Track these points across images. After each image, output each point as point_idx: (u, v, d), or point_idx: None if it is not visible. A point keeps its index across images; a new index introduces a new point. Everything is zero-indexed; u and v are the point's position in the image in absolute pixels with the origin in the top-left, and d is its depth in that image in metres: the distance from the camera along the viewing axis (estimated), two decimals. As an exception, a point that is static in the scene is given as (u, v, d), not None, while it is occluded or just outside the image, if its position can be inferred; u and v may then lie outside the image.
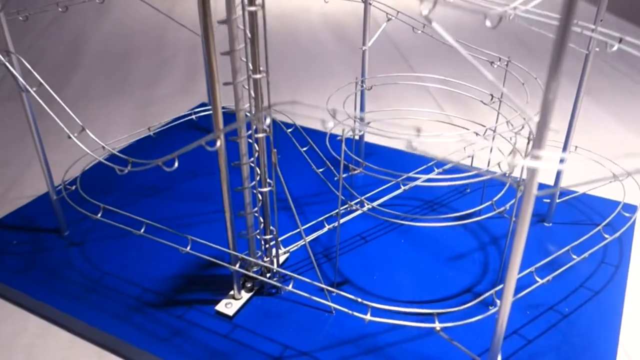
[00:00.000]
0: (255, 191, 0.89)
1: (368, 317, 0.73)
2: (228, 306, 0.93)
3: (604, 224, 0.98)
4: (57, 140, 1.43)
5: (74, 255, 1.07)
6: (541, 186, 1.16)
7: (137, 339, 0.89)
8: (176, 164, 0.72)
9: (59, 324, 0.96)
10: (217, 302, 0.94)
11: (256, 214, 0.91)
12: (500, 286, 0.73)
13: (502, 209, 0.86)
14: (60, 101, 0.83)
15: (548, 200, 1.13)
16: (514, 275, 0.70)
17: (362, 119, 0.96)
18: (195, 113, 1.57)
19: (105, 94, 1.89)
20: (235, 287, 0.94)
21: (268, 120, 0.62)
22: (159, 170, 1.39)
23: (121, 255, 1.07)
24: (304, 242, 0.96)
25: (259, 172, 0.87)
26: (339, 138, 0.81)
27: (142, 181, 1.31)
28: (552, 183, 1.14)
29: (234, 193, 0.86)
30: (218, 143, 0.73)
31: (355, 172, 0.82)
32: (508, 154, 0.88)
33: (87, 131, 0.86)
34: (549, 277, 0.83)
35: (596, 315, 0.92)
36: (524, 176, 0.69)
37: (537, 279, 0.83)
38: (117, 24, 2.68)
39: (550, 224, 1.15)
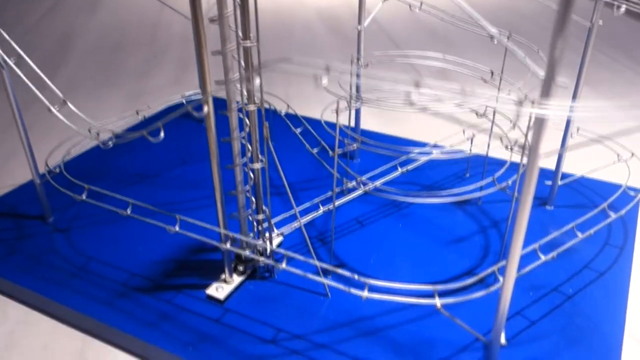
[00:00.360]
0: (246, 169, 0.85)
1: (365, 293, 0.69)
2: (219, 290, 0.89)
3: (607, 202, 0.95)
4: (43, 128, 1.39)
5: (58, 241, 1.03)
6: (543, 172, 1.13)
7: (123, 323, 0.85)
8: (162, 134, 0.68)
9: (41, 310, 0.92)
10: (207, 286, 0.90)
11: (248, 194, 0.88)
12: (503, 262, 0.70)
13: (503, 184, 0.83)
14: (41, 74, 0.79)
15: (550, 183, 1.10)
16: (517, 249, 0.66)
17: (358, 91, 0.93)
18: (187, 100, 1.53)
19: (95, 86, 1.85)
20: (226, 270, 0.90)
21: (258, 82, 0.58)
22: (147, 157, 1.36)
23: (107, 241, 1.02)
24: (298, 225, 0.93)
25: (250, 148, 0.84)
26: (333, 109, 0.77)
27: (129, 168, 1.27)
28: (554, 167, 1.11)
29: (225, 171, 0.82)
30: (205, 109, 0.69)
31: (351, 147, 0.79)
32: (510, 127, 0.84)
33: (69, 104, 0.82)
34: (553, 254, 0.80)
35: (601, 296, 0.89)
36: (528, 147, 0.66)
37: (541, 255, 0.80)
38: (108, 18, 2.64)
39: (552, 207, 1.11)
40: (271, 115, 1.34)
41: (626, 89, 1.82)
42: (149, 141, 1.41)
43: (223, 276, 0.91)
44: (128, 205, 0.87)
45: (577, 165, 1.18)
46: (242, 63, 0.77)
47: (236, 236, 0.81)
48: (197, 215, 1.07)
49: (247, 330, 0.83)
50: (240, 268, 0.92)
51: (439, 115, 0.65)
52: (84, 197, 0.89)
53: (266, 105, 1.23)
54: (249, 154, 0.83)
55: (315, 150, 0.94)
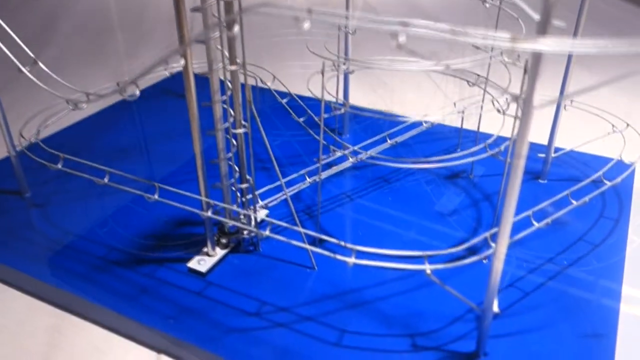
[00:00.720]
0: (228, 136, 0.82)
1: (352, 259, 0.66)
2: (201, 263, 0.86)
3: (602, 171, 0.92)
4: (20, 101, 1.34)
5: (35, 216, 0.99)
6: (535, 147, 1.09)
7: (101, 298, 0.81)
8: (137, 92, 0.65)
9: (16, 286, 0.88)
10: (189, 260, 0.87)
11: (230, 162, 0.84)
12: (495, 229, 0.67)
13: (495, 150, 0.80)
14: (5, 26, 0.74)
15: (543, 155, 1.07)
16: (510, 213, 0.63)
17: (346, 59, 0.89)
18: (170, 71, 1.48)
19: (78, 67, 1.81)
20: (208, 243, 0.87)
21: (237, 28, 0.55)
22: (131, 133, 1.32)
23: (86, 216, 0.99)
24: (284, 196, 0.89)
25: (232, 113, 0.80)
26: (319, 71, 0.74)
27: (112, 144, 1.23)
28: (546, 142, 1.08)
29: (208, 141, 0.79)
30: (182, 61, 0.66)
31: (338, 112, 0.75)
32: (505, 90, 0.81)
33: (40, 64, 0.78)
34: (548, 220, 0.77)
35: (597, 268, 0.86)
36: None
37: (534, 222, 0.77)
38: (93, 1, 2.59)
39: (546, 181, 1.08)
40: (257, 92, 1.30)
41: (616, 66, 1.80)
42: (133, 118, 1.37)
43: (205, 249, 0.88)
44: (105, 174, 0.83)
45: (570, 139, 1.15)
46: (223, 21, 0.73)
47: (218, 204, 0.78)
48: (180, 188, 1.03)
49: (230, 303, 0.80)
50: (224, 241, 0.88)
51: (430, 74, 0.61)
52: (59, 166, 0.85)
53: (250, 75, 1.19)
54: (231, 119, 0.79)
55: (301, 119, 0.91)
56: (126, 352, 0.77)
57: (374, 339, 0.74)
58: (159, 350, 0.77)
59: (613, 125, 1.03)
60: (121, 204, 1.00)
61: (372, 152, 0.96)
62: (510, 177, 0.60)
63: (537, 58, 0.47)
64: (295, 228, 0.75)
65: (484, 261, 0.86)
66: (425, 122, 1.05)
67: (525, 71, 0.70)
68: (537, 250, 0.89)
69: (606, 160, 1.13)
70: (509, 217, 0.63)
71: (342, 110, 0.75)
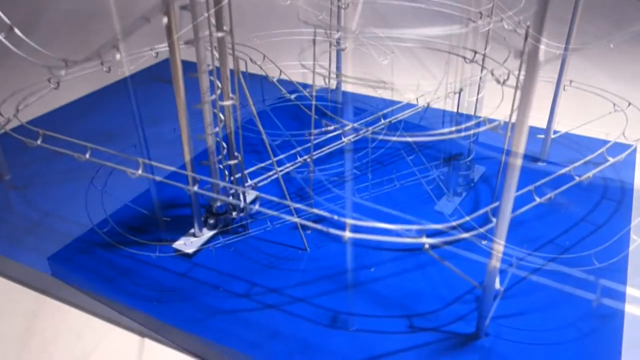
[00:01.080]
0: (215, 110, 0.78)
1: (347, 233, 0.62)
2: (187, 244, 0.82)
3: (605, 147, 0.88)
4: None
5: (14, 198, 0.94)
6: (533, 130, 1.06)
7: (80, 279, 0.77)
8: (118, 56, 0.61)
9: (-8, 269, 0.84)
10: (175, 241, 0.83)
11: (218, 139, 0.80)
12: (496, 203, 0.63)
13: (495, 123, 0.76)
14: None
15: (542, 136, 1.04)
16: (512, 184, 0.60)
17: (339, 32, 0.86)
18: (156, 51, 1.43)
19: (64, 53, 1.76)
20: (195, 223, 0.83)
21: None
22: (117, 116, 1.27)
23: (67, 198, 0.94)
24: (275, 175, 0.85)
25: (219, 84, 0.76)
26: (312, 39, 0.70)
27: (98, 128, 1.19)
28: (544, 125, 1.05)
29: (192, 112, 0.75)
30: (165, 19, 0.62)
31: (330, 83, 0.72)
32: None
33: (17, 30, 0.74)
34: (550, 195, 0.73)
35: (601, 247, 0.82)
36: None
37: (536, 197, 0.73)
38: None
39: (545, 164, 1.05)
40: (247, 76, 1.26)
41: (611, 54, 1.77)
42: (119, 102, 1.33)
43: (192, 230, 0.84)
44: (87, 149, 0.78)
45: (570, 120, 1.12)
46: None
47: (204, 179, 0.74)
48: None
49: (218, 285, 0.76)
50: (211, 221, 0.84)
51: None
52: (39, 142, 0.80)
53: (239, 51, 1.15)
54: (218, 91, 0.75)
55: (293, 96, 0.87)
56: (108, 336, 0.73)
57: (369, 320, 0.71)
58: (142, 334, 0.73)
59: (614, 104, 1.00)
60: (105, 186, 0.96)
61: (366, 130, 0.92)
62: (512, 146, 0.57)
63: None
64: (286, 202, 0.71)
65: (484, 242, 0.83)
66: (424, 103, 1.01)
67: (526, 37, 0.66)
68: (538, 231, 0.86)
69: (607, 143, 1.10)
70: (511, 188, 0.60)
71: (334, 84, 0.71)
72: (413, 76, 1.39)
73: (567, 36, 0.94)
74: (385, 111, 1.01)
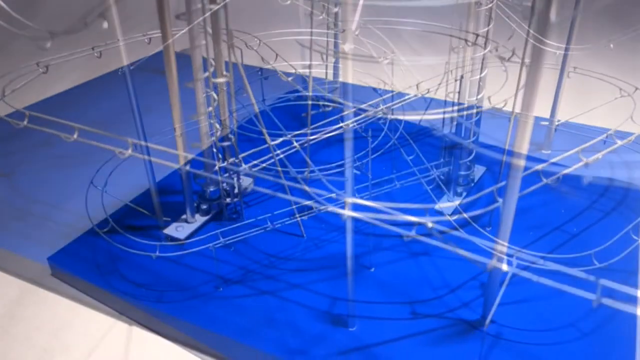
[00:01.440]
0: (208, 89, 0.75)
1: (347, 212, 0.59)
2: (179, 230, 0.78)
3: (612, 130, 0.85)
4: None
5: (0, 185, 0.91)
6: (536, 120, 1.03)
7: (68, 266, 0.74)
8: (105, 24, 0.58)
9: (-25, 256, 0.80)
10: (166, 227, 0.79)
11: (212, 121, 0.77)
12: (503, 183, 0.60)
13: (500, 102, 0.73)
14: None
15: (546, 123, 1.01)
16: (519, 163, 0.57)
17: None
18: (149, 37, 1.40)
19: (60, 47, 1.73)
20: (187, 208, 0.79)
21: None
22: (109, 105, 1.24)
23: (55, 186, 0.91)
24: (271, 160, 0.82)
25: (213, 62, 0.73)
26: (308, 12, 0.67)
27: (90, 117, 1.15)
28: (548, 114, 1.02)
29: (184, 90, 0.72)
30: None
31: (328, 60, 0.69)
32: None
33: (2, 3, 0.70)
34: (558, 175, 0.70)
35: (610, 234, 0.79)
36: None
37: (543, 179, 0.70)
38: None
39: (549, 152, 1.02)
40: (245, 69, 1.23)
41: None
42: (112, 92, 1.30)
43: (184, 216, 0.80)
44: (74, 130, 0.75)
45: (574, 109, 1.09)
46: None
47: (197, 158, 0.71)
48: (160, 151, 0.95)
49: (210, 271, 0.73)
50: (204, 207, 0.81)
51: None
52: (25, 122, 0.77)
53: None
54: (211, 69, 0.72)
55: (290, 79, 0.84)
56: (94, 324, 0.69)
57: (370, 306, 0.67)
58: (130, 322, 0.69)
59: (620, 89, 0.97)
60: (94, 173, 0.93)
61: (364, 115, 0.89)
62: (519, 123, 0.54)
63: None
64: (281, 181, 0.68)
65: (488, 228, 0.80)
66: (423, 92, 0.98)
67: (532, 7, 0.63)
68: (544, 218, 0.83)
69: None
70: (519, 167, 0.57)
71: (331, 61, 0.68)
72: (413, 77, 1.37)
73: (569, 35, 0.92)
74: (385, 97, 0.98)
